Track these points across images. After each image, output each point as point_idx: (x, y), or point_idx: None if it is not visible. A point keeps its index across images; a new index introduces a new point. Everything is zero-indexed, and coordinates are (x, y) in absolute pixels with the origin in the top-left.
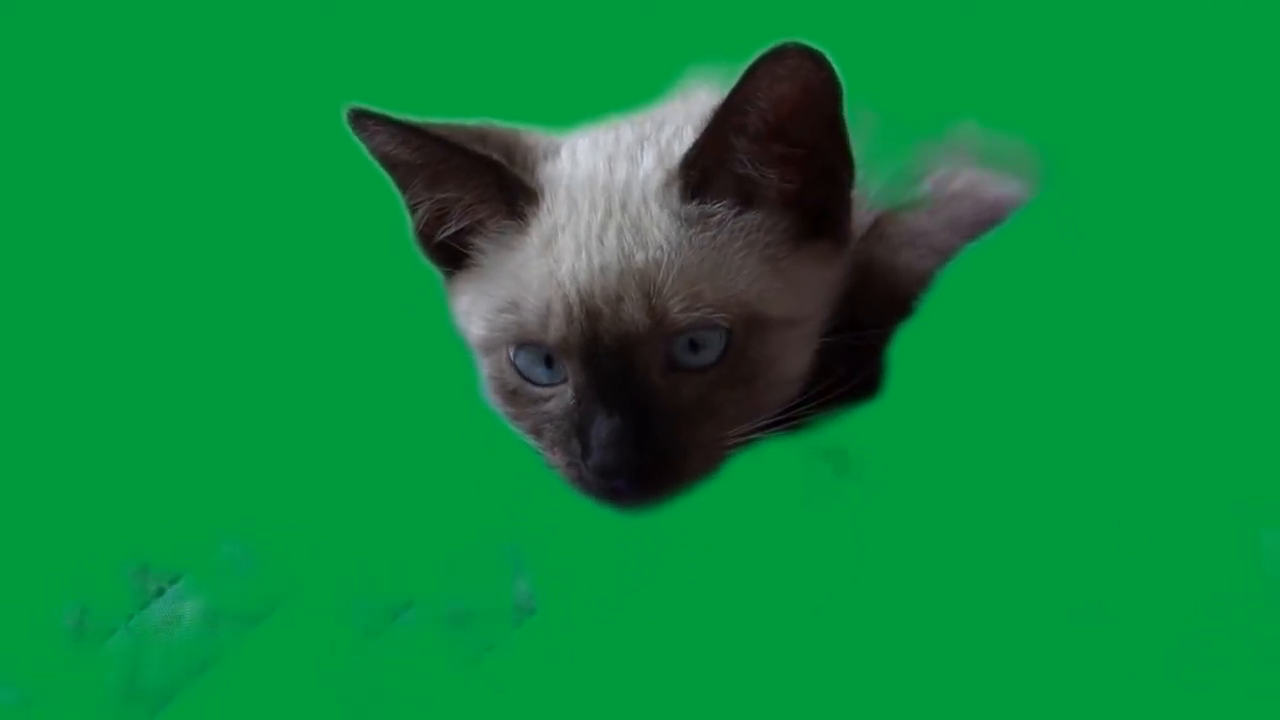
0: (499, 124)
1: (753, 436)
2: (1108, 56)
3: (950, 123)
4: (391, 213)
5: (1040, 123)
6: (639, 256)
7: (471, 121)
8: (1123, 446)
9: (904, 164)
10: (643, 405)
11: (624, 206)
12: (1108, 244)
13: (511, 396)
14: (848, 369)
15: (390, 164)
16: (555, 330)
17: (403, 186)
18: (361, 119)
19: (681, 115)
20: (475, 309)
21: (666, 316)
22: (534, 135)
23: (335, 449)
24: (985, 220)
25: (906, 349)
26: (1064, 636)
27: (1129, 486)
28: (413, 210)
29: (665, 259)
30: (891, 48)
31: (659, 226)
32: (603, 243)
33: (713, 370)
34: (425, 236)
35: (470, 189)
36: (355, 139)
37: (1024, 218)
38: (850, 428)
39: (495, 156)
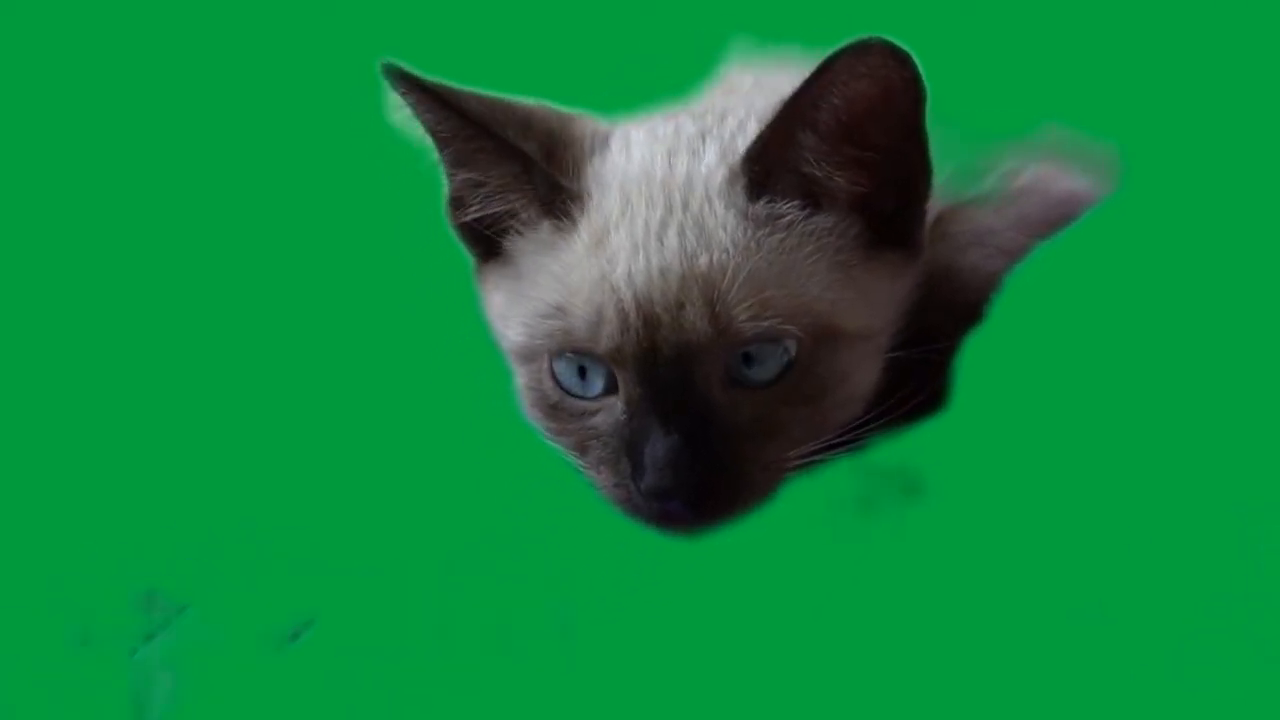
0: (552, 106)
1: (815, 458)
2: (1183, 54)
3: (1024, 128)
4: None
5: (1116, 121)
6: (703, 259)
7: (523, 100)
8: (1210, 465)
9: (968, 157)
10: (702, 422)
11: (685, 204)
12: (1190, 244)
13: (552, 410)
14: (915, 385)
15: (421, 125)
16: (608, 339)
17: (437, 150)
18: (392, 77)
19: (744, 108)
20: (513, 312)
21: (731, 325)
22: (584, 124)
23: (351, 463)
24: (1057, 218)
25: (974, 359)
26: (1152, 671)
27: (1217, 509)
28: (447, 179)
29: (732, 262)
30: (950, 47)
31: (724, 227)
32: (662, 243)
33: (777, 386)
34: (453, 209)
35: (495, 176)
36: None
37: (1099, 215)
38: (915, 446)
39: (527, 149)
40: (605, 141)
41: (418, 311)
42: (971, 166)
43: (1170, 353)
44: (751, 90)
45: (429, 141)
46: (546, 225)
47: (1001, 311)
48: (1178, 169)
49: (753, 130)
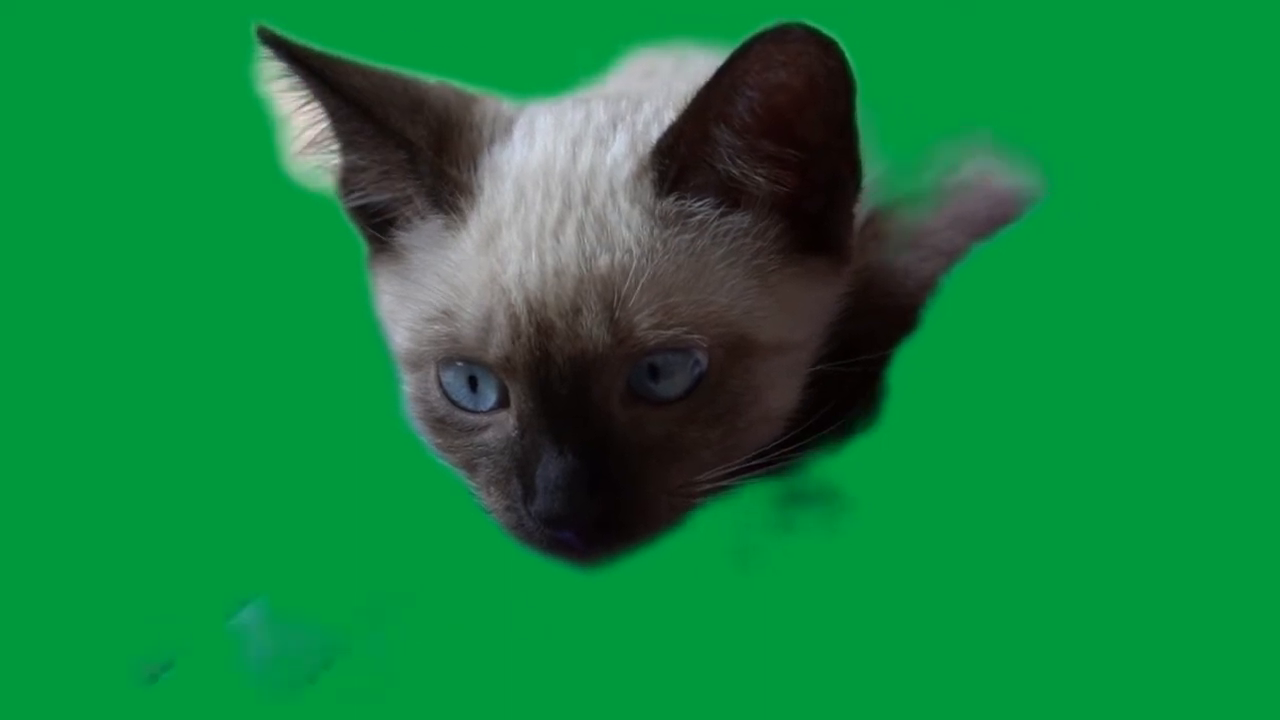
0: (454, 86)
1: (727, 482)
2: (1115, 55)
3: (956, 128)
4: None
5: (1057, 118)
6: (602, 259)
7: (420, 78)
8: (1157, 479)
9: (901, 152)
10: (600, 442)
11: (586, 199)
12: (1134, 245)
13: (439, 424)
14: (841, 401)
15: (303, 101)
16: (498, 346)
17: (325, 126)
18: (269, 44)
19: (662, 94)
20: (399, 315)
21: (633, 334)
22: (485, 107)
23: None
24: (997, 216)
25: (908, 371)
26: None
27: (1165, 524)
28: (338, 156)
29: (634, 263)
30: (883, 44)
31: (628, 224)
32: (559, 241)
33: (684, 403)
34: (341, 194)
35: (378, 162)
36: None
37: (1041, 214)
38: (842, 467)
39: (412, 134)
40: (508, 127)
41: (303, 303)
42: (904, 163)
43: (1113, 359)
44: (673, 74)
45: (311, 117)
46: (435, 219)
47: (937, 317)
48: (1118, 167)
49: (669, 119)
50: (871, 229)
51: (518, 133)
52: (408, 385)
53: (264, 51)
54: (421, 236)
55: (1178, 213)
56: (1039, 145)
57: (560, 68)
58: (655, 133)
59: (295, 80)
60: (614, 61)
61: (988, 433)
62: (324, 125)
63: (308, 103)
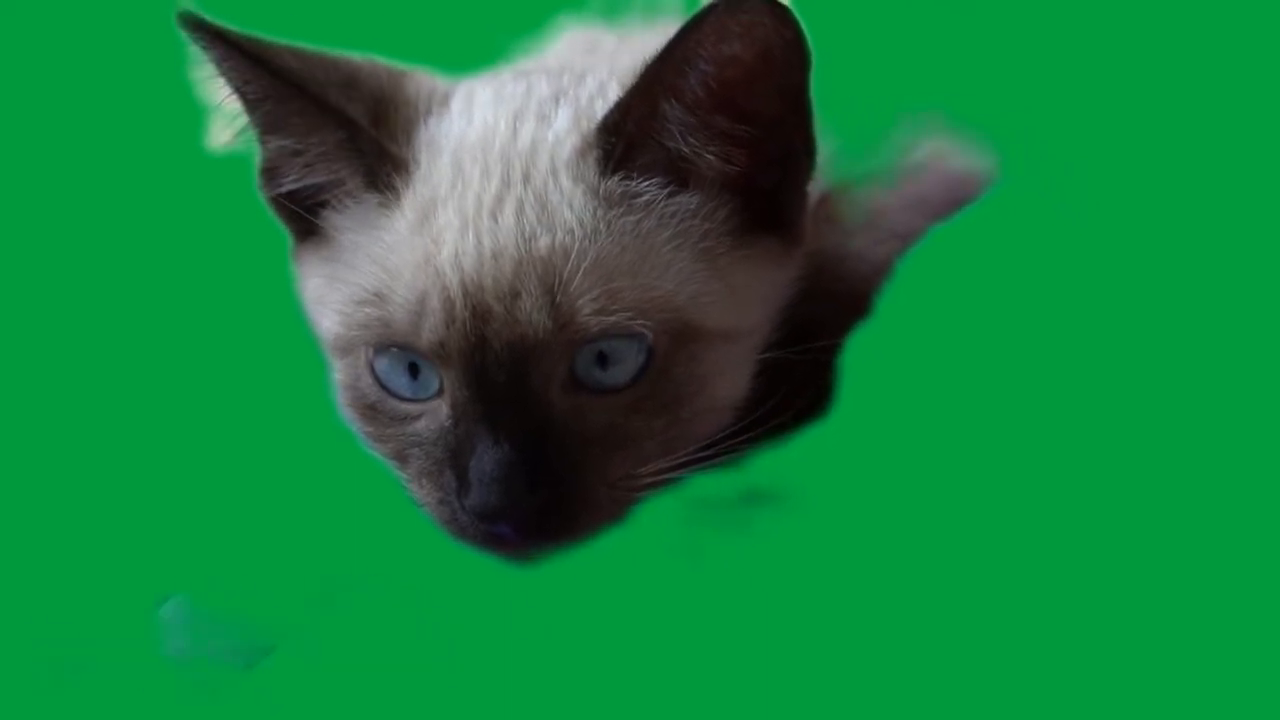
0: (382, 62)
1: (671, 475)
2: (1067, 32)
3: (907, 108)
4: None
5: (1014, 100)
6: (543, 241)
7: (348, 55)
8: (1115, 468)
9: (854, 134)
10: (538, 432)
11: (526, 177)
12: (1091, 227)
13: (369, 412)
14: (792, 390)
15: (228, 85)
16: (431, 331)
17: (247, 114)
18: (193, 28)
19: (606, 68)
20: (328, 298)
21: (574, 319)
22: (418, 82)
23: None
24: (954, 198)
25: (861, 358)
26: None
27: (1122, 519)
28: (260, 146)
29: (576, 245)
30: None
31: (571, 204)
32: (497, 221)
33: (627, 391)
34: (265, 180)
35: (315, 144)
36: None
37: (997, 197)
38: (791, 459)
39: (350, 111)
40: (444, 102)
41: (228, 295)
42: (856, 142)
43: (1071, 345)
44: (616, 49)
45: (236, 104)
46: (370, 199)
47: (891, 303)
48: (1072, 147)
49: (614, 94)
50: (823, 211)
51: (455, 107)
52: (337, 372)
53: (193, 37)
54: (353, 218)
55: (1136, 192)
56: (992, 126)
57: (486, 43)
58: (600, 108)
59: (227, 65)
60: (545, 35)
61: (941, 424)
62: (252, 111)
63: (238, 88)
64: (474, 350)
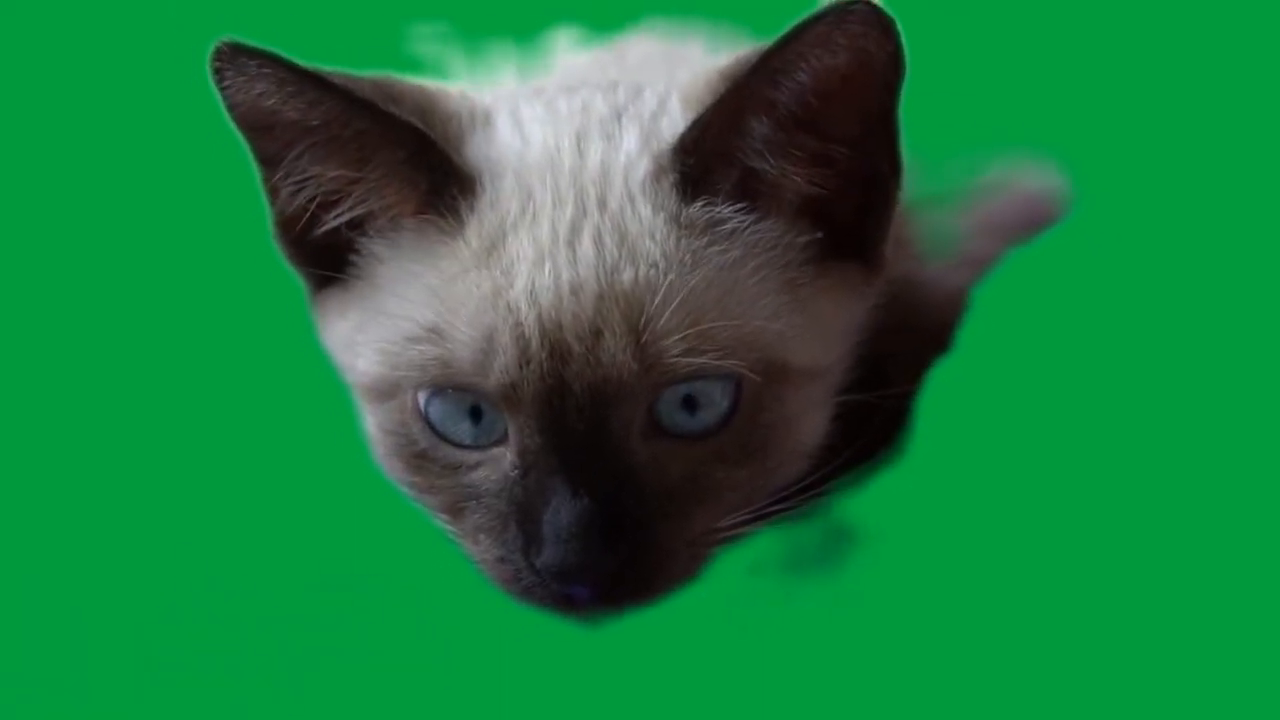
0: (401, 78)
1: (750, 527)
2: (1136, 51)
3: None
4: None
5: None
6: (626, 274)
7: (369, 74)
8: (1220, 513)
9: (921, 153)
10: (618, 483)
11: (602, 204)
12: (1182, 252)
13: (417, 461)
14: (871, 433)
15: (263, 125)
16: (502, 372)
17: (273, 158)
18: (239, 57)
19: (663, 80)
20: (365, 336)
21: (661, 360)
22: (453, 97)
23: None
24: (1028, 221)
25: (939, 396)
26: None
27: (1229, 568)
28: (276, 192)
29: (662, 279)
30: None
31: (653, 234)
32: (575, 252)
33: (712, 439)
34: (294, 228)
35: (375, 167)
36: (216, 88)
37: (1078, 219)
38: (865, 505)
39: (418, 124)
40: (487, 120)
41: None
42: (923, 162)
43: (1169, 383)
44: (663, 61)
45: (258, 143)
46: (425, 226)
47: (971, 337)
48: (1149, 166)
49: (677, 111)
50: (893, 235)
51: (501, 124)
52: (374, 416)
53: (238, 68)
54: (397, 247)
55: (1222, 214)
56: (1062, 144)
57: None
58: (665, 126)
59: (287, 91)
60: (543, 46)
61: (1027, 468)
62: (297, 144)
63: (295, 117)
64: (551, 394)
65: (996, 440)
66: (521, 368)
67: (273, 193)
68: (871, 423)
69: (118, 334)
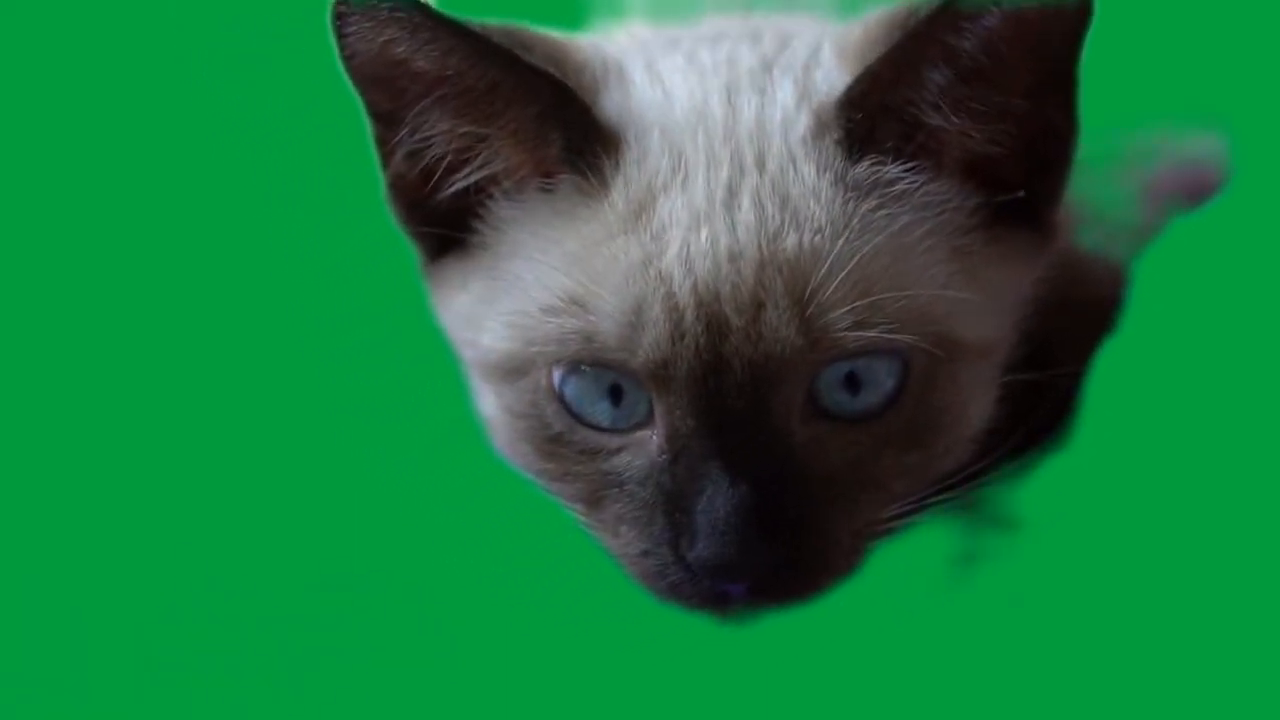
0: (528, 27)
1: (912, 517)
2: None
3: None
4: None
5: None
6: (790, 240)
7: (493, 22)
8: None
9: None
10: (779, 470)
11: (761, 163)
12: None
13: (551, 446)
14: (1040, 417)
15: (386, 77)
16: (652, 347)
17: (394, 114)
18: (373, 5)
19: (811, 31)
20: (492, 309)
21: (827, 334)
22: (584, 46)
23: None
24: (1188, 188)
25: (1107, 381)
26: None
27: None
28: (393, 153)
29: (829, 246)
30: None
31: (817, 196)
32: (733, 216)
33: (878, 421)
34: (413, 191)
35: (508, 122)
36: (336, 36)
37: (1243, 187)
38: (1032, 494)
39: (556, 74)
40: (620, 72)
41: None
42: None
43: None
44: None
45: (378, 101)
46: (561, 187)
47: (1139, 316)
48: None
49: (832, 62)
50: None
51: (639, 75)
52: (500, 398)
53: (371, 13)
54: (533, 211)
55: None
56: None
57: None
58: (821, 79)
59: (423, 37)
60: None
61: (1201, 454)
62: (429, 95)
63: (433, 68)
64: (708, 372)
65: (1167, 427)
66: (675, 343)
67: (388, 154)
68: (1037, 405)
69: (118, 334)
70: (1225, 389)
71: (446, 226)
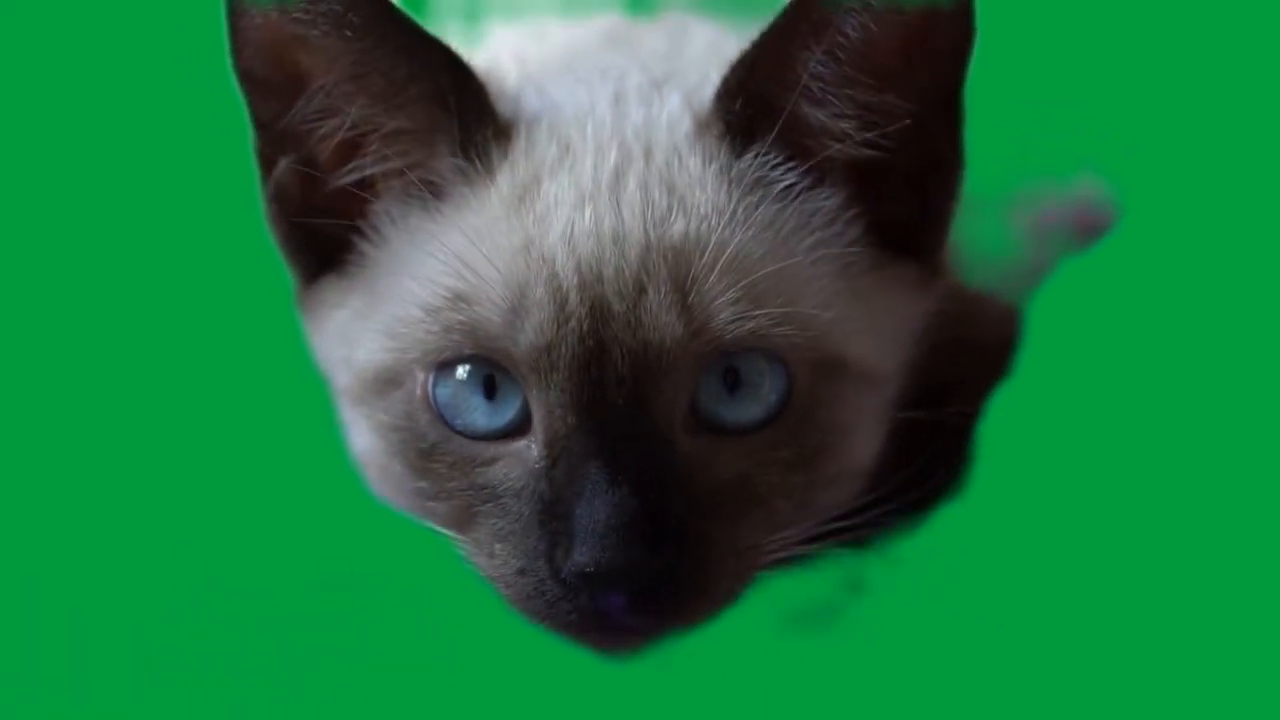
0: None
1: (797, 549)
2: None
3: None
4: None
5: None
6: (676, 226)
7: None
8: None
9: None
10: (660, 475)
11: (648, 154)
12: (1243, 260)
13: (424, 461)
14: (929, 458)
15: (285, 63)
16: (535, 331)
17: (284, 113)
18: None
19: (702, 59)
20: (368, 321)
21: (709, 323)
22: (474, 61)
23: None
24: (1077, 227)
25: (1002, 424)
26: None
27: None
28: (274, 159)
29: (714, 235)
30: None
31: (703, 186)
32: (618, 197)
33: (762, 434)
34: (298, 202)
35: (405, 102)
36: (231, 23)
37: (1131, 227)
38: (923, 544)
39: (457, 54)
40: (500, 84)
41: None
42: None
43: (1250, 407)
44: (701, 44)
45: (262, 89)
46: (447, 178)
47: (1032, 360)
48: (1201, 173)
49: (717, 76)
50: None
51: (526, 89)
52: (371, 417)
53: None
54: (415, 208)
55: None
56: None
57: None
58: (708, 91)
59: (316, 14)
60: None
61: (1101, 499)
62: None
63: (334, 27)
64: (590, 359)
65: (1062, 474)
66: (559, 326)
67: (270, 163)
68: (928, 445)
69: (118, 334)
70: (1119, 428)
71: (325, 246)
